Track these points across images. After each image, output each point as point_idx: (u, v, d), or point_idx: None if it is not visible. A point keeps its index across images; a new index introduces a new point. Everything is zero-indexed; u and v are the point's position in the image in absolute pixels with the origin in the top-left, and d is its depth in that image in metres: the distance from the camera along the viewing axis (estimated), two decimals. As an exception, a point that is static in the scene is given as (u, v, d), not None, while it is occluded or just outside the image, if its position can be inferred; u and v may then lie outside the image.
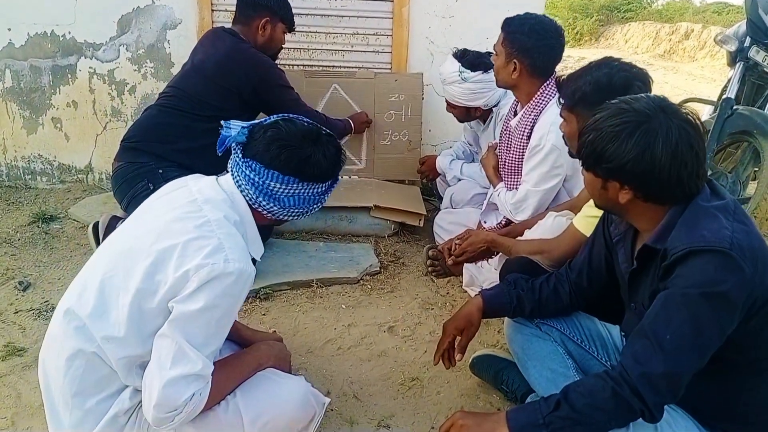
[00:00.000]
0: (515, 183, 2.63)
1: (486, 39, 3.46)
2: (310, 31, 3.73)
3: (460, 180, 3.32)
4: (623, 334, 1.78)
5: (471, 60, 2.95)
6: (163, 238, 1.51)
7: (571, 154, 2.02)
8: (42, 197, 3.75)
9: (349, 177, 3.72)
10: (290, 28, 3.11)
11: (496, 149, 2.82)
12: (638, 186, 1.43)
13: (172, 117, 2.84)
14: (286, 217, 1.68)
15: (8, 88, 3.73)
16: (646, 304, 1.48)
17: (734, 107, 3.45)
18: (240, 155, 1.61)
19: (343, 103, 3.63)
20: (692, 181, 1.41)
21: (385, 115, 3.67)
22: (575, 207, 2.25)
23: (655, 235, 1.46)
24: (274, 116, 1.69)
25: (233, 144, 1.61)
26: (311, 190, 1.66)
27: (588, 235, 1.90)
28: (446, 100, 3.16)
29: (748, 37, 3.67)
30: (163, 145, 2.80)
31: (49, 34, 3.65)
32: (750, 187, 3.78)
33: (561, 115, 1.99)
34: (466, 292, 2.83)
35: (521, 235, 2.39)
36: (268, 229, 3.39)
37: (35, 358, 1.94)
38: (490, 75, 2.80)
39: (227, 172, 1.66)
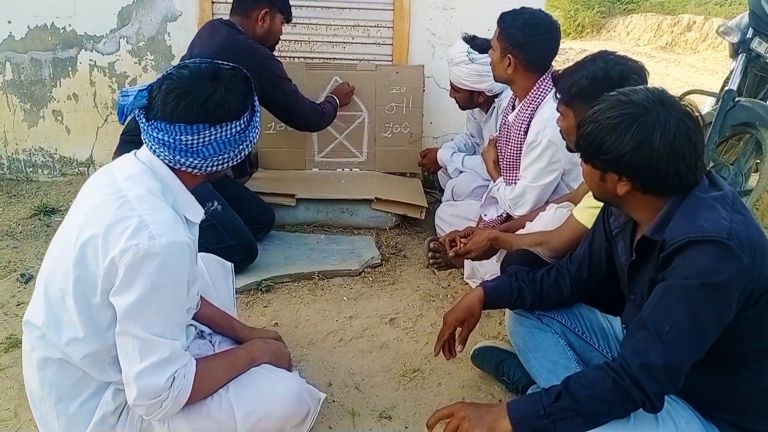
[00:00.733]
0: (514, 178, 2.63)
1: (488, 31, 3.41)
2: (310, 23, 3.72)
3: (461, 172, 3.31)
4: (624, 325, 1.78)
5: (480, 44, 2.96)
6: (85, 229, 1.44)
7: (569, 149, 2.02)
8: (43, 190, 3.76)
9: (351, 170, 3.72)
10: (288, 18, 3.11)
11: (496, 143, 2.82)
12: (636, 178, 1.43)
13: (173, 110, 2.83)
14: (214, 168, 1.55)
15: (9, 81, 3.73)
16: (645, 295, 1.48)
17: (736, 99, 3.43)
18: (144, 120, 1.50)
19: (344, 96, 3.61)
20: (690, 173, 1.41)
21: (386, 107, 3.66)
22: (576, 199, 2.25)
23: (654, 227, 1.46)
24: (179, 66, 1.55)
25: (136, 111, 1.51)
26: (227, 132, 1.51)
27: (588, 226, 1.90)
28: (451, 84, 3.15)
29: (750, 28, 3.65)
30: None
31: (49, 27, 3.64)
32: (752, 179, 3.77)
33: (558, 110, 1.98)
34: (467, 284, 2.83)
35: (523, 228, 2.39)
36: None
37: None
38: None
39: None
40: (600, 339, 1.87)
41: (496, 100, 3.10)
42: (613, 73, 1.81)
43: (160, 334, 1.43)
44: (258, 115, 1.60)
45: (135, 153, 1.57)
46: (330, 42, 3.77)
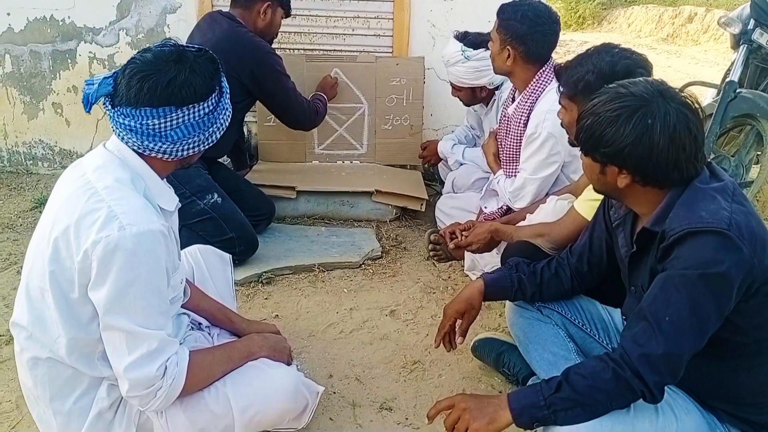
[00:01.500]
0: (514, 170, 2.63)
1: (488, 22, 3.39)
2: (310, 15, 3.71)
3: (461, 165, 3.31)
4: (624, 317, 1.78)
5: (473, 39, 2.94)
6: (57, 223, 1.42)
7: (571, 143, 2.01)
8: (44, 183, 3.75)
9: (351, 162, 3.72)
10: (288, 13, 3.11)
11: (496, 135, 2.82)
12: (637, 170, 1.42)
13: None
14: (185, 152, 1.51)
15: (8, 74, 3.72)
16: (645, 287, 1.48)
17: (737, 90, 3.42)
18: (110, 107, 1.46)
19: (344, 88, 3.61)
20: (690, 165, 1.41)
21: (386, 99, 3.65)
22: (576, 191, 2.25)
23: (654, 218, 1.46)
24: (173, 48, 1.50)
25: (102, 99, 1.48)
26: (195, 114, 1.47)
27: (589, 218, 1.90)
28: (451, 84, 3.14)
29: (752, 19, 3.63)
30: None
31: (48, 19, 3.63)
32: (753, 170, 3.77)
33: (560, 103, 1.97)
34: (467, 276, 2.83)
35: (523, 220, 2.39)
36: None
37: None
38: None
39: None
40: (600, 330, 1.87)
41: (496, 92, 3.09)
42: (620, 68, 1.79)
43: (144, 325, 1.41)
44: (226, 96, 1.56)
45: (104, 144, 1.54)
46: (330, 33, 3.76)
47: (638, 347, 1.38)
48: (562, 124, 2.03)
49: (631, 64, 1.82)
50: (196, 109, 1.47)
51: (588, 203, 1.97)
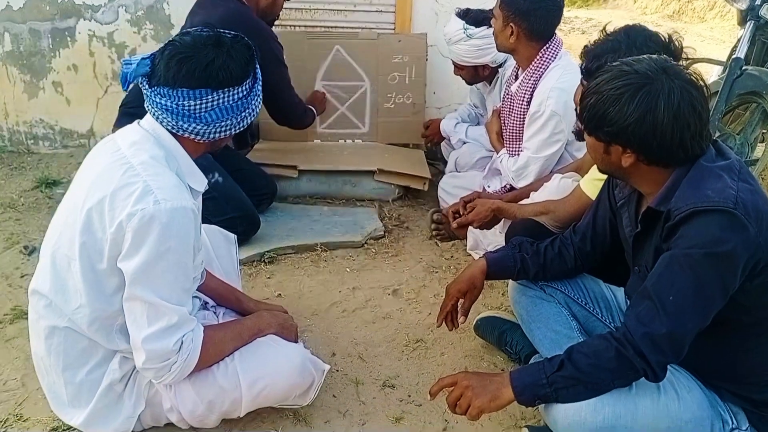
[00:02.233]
0: (517, 149, 2.62)
1: (491, -2, 3.39)
2: (311, -9, 3.66)
3: (464, 143, 3.29)
4: (627, 297, 1.78)
5: (475, 16, 2.90)
6: (91, 195, 1.46)
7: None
8: (45, 162, 3.74)
9: (353, 141, 3.70)
10: None
11: (500, 114, 2.79)
12: (641, 149, 1.41)
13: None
14: (217, 135, 1.56)
15: (8, 52, 3.68)
16: (650, 266, 1.47)
17: (743, 67, 3.38)
18: (147, 87, 1.51)
19: (346, 65, 3.57)
20: (695, 143, 1.39)
21: (388, 77, 3.61)
22: (581, 168, 2.24)
23: (659, 197, 1.45)
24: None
25: (140, 79, 1.52)
26: (230, 97, 1.52)
27: (593, 198, 1.89)
28: (453, 63, 3.10)
29: (759, -6, 3.58)
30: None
31: (47, -4, 3.59)
32: (758, 148, 3.74)
33: (583, 84, 1.91)
34: (470, 255, 2.83)
35: (527, 198, 2.38)
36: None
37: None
38: (495, 29, 2.75)
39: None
40: (603, 309, 1.87)
41: (499, 70, 3.06)
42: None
43: (167, 299, 1.45)
44: (259, 83, 1.60)
45: (138, 122, 1.57)
46: (331, 10, 3.71)
47: (642, 326, 1.38)
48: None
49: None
50: (232, 93, 1.52)
51: (593, 182, 1.96)
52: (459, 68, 3.10)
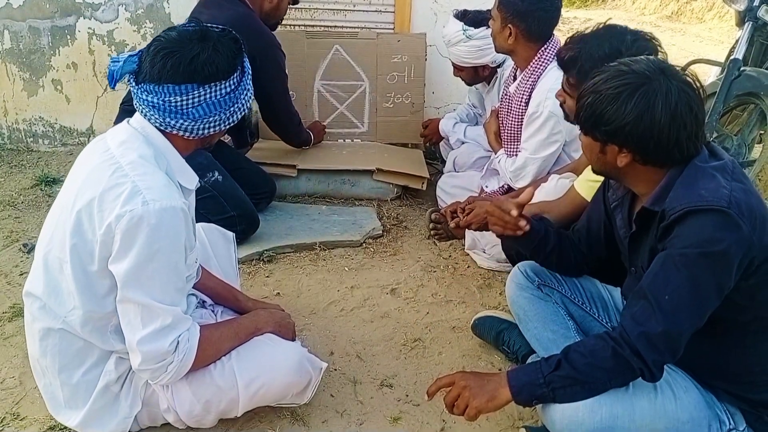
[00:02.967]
0: (515, 149, 2.62)
1: (490, -1, 3.40)
2: (311, -10, 3.66)
3: (463, 143, 3.29)
4: (624, 297, 1.79)
5: (473, 17, 2.91)
6: (80, 196, 1.45)
7: (568, 119, 2.00)
8: (44, 160, 3.75)
9: (352, 140, 3.70)
10: (295, 0, 3.12)
11: (498, 114, 2.80)
12: (637, 148, 1.42)
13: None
14: (206, 131, 1.53)
15: (7, 50, 3.68)
16: (645, 267, 1.48)
17: (741, 68, 3.39)
18: (134, 84, 1.49)
19: (345, 65, 3.58)
20: (691, 143, 1.41)
21: (387, 76, 3.62)
22: (578, 169, 2.25)
23: (653, 197, 1.46)
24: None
25: (127, 76, 1.50)
26: (217, 92, 1.49)
27: (588, 198, 1.89)
28: (453, 64, 3.11)
29: (758, -5, 3.59)
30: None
31: (47, -6, 3.59)
32: (755, 149, 3.75)
33: (564, 89, 1.94)
34: (468, 255, 2.84)
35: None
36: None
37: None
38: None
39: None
40: (600, 309, 1.88)
41: (498, 70, 3.06)
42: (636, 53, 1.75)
43: (160, 300, 1.44)
44: (248, 76, 1.58)
45: (128, 120, 1.56)
46: (331, 9, 3.72)
47: (638, 326, 1.38)
48: (562, 106, 2.02)
49: (652, 47, 1.79)
50: (218, 88, 1.49)
51: (587, 183, 1.97)
52: (459, 69, 3.10)
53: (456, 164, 3.26)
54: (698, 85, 1.42)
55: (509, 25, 2.44)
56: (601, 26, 1.90)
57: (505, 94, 2.68)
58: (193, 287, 1.81)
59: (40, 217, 3.02)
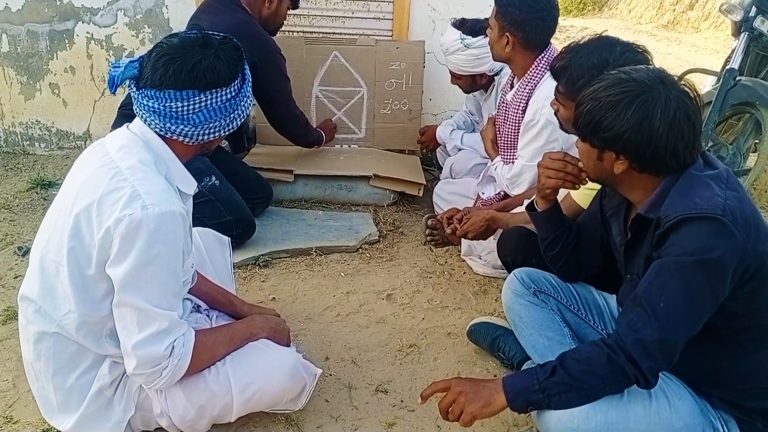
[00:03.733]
0: (512, 156, 2.63)
1: (489, 6, 3.34)
2: (310, -3, 3.67)
3: (460, 150, 3.30)
4: (619, 305, 1.79)
5: (471, 26, 2.92)
6: (79, 200, 1.45)
7: (564, 130, 2.01)
8: (40, 163, 3.74)
9: (349, 146, 3.71)
10: (295, 5, 3.11)
11: (495, 122, 2.81)
12: (634, 156, 1.43)
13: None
14: (206, 137, 1.54)
15: (5, 53, 3.68)
16: (641, 274, 1.49)
17: (737, 78, 3.42)
18: (134, 89, 1.50)
19: (344, 71, 3.59)
20: (688, 152, 1.42)
21: (385, 83, 3.63)
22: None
23: (648, 205, 1.47)
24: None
25: (128, 82, 1.51)
26: (218, 99, 1.50)
27: (584, 207, 1.90)
28: (450, 72, 3.12)
29: (753, 6, 3.61)
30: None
31: (45, -2, 3.60)
32: (750, 159, 3.77)
33: (557, 98, 1.95)
34: (464, 261, 2.84)
35: (520, 205, 2.39)
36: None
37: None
38: (491, 39, 2.77)
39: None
40: (595, 316, 1.88)
41: (496, 78, 3.08)
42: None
43: (157, 304, 1.44)
44: (248, 84, 1.59)
45: (128, 125, 1.56)
46: (329, 16, 3.73)
47: (633, 333, 1.39)
48: (556, 114, 2.03)
49: (642, 59, 1.80)
50: (219, 94, 1.50)
51: (584, 192, 1.97)
52: (456, 77, 3.12)
53: (453, 171, 3.27)
54: (696, 95, 1.43)
55: (507, 34, 2.45)
56: (594, 37, 1.91)
57: (502, 102, 2.69)
58: (188, 292, 1.81)
59: (36, 220, 3.01)
